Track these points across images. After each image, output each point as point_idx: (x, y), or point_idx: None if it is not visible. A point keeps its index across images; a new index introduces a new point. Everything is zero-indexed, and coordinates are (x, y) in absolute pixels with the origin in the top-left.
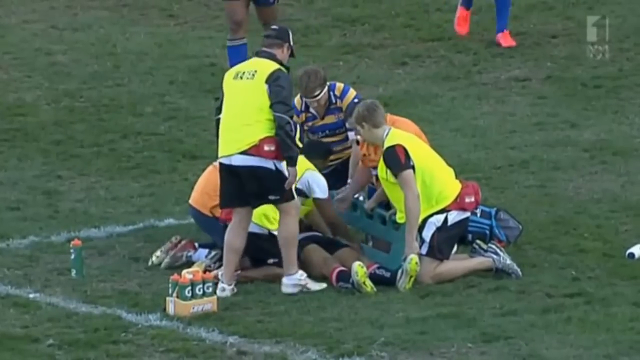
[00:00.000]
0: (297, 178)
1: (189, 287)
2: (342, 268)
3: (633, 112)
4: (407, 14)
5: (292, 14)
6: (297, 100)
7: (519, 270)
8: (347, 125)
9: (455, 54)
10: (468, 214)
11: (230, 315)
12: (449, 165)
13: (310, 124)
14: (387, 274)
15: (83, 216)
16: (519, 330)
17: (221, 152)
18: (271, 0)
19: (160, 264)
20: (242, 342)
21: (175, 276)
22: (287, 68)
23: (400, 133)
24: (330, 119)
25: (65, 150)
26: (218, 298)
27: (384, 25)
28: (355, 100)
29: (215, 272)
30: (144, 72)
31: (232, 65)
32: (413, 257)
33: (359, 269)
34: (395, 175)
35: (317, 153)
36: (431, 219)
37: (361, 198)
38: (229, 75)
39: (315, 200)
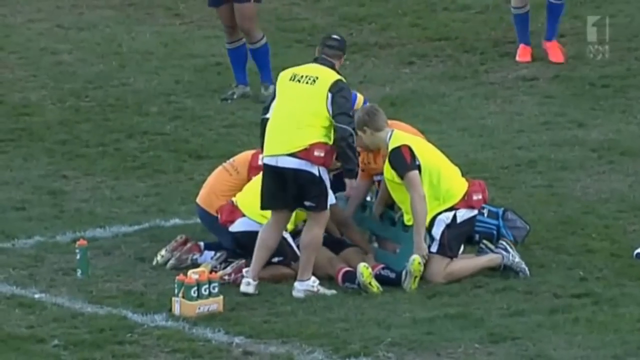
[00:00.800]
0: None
1: (195, 288)
2: (348, 268)
3: None
4: (414, 13)
5: (298, 13)
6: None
7: (527, 269)
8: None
9: (462, 53)
10: (476, 211)
11: (236, 316)
12: (455, 164)
13: None
14: (392, 275)
15: (88, 216)
16: (526, 331)
17: (267, 151)
18: None
19: (165, 263)
20: (248, 342)
21: (181, 276)
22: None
23: (404, 134)
24: None
25: (71, 150)
26: (224, 298)
27: (390, 24)
28: (365, 105)
29: (221, 272)
30: (149, 71)
31: (234, 67)
32: (416, 258)
33: (364, 270)
34: (401, 176)
35: None
36: (440, 217)
37: (368, 198)
38: (284, 76)
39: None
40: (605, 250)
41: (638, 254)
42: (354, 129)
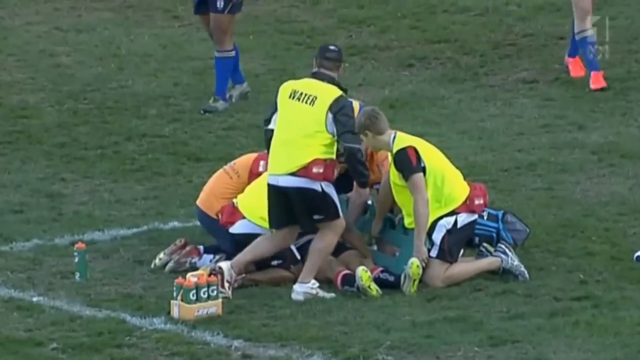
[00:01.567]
0: None
1: (194, 291)
2: (347, 271)
3: None
4: (413, 15)
5: (297, 15)
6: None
7: (526, 272)
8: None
9: (462, 55)
10: (476, 216)
11: (235, 319)
12: (455, 167)
13: None
14: (391, 278)
15: (87, 219)
16: (526, 334)
17: (269, 170)
18: (219, 8)
19: (163, 266)
20: (247, 345)
21: (179, 279)
22: (345, 90)
23: (408, 136)
24: None
25: (69, 153)
26: (223, 301)
27: (390, 26)
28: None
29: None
30: (148, 74)
31: (219, 76)
32: (414, 261)
33: (363, 274)
34: (406, 178)
35: None
36: (441, 222)
37: (370, 202)
38: (284, 92)
39: None
40: (606, 253)
41: (638, 257)
42: (359, 143)
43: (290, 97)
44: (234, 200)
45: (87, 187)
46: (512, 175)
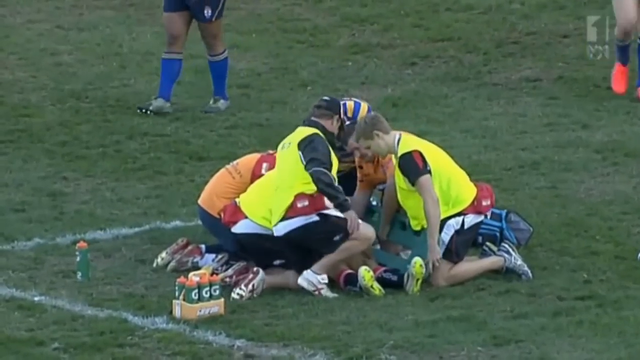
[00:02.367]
0: None
1: (196, 290)
2: (350, 271)
3: None
4: (416, 13)
5: (300, 13)
6: None
7: (529, 271)
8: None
9: (465, 54)
10: (483, 217)
11: (237, 319)
12: (459, 166)
13: None
14: (394, 278)
15: (89, 218)
16: (529, 334)
17: (272, 224)
18: (207, 17)
19: (165, 265)
20: (250, 345)
21: (182, 279)
22: (333, 136)
23: (413, 138)
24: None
25: (71, 152)
26: (226, 301)
27: (393, 25)
28: (369, 112)
29: (222, 274)
30: (150, 72)
31: (163, 78)
32: (417, 260)
33: (366, 274)
34: (413, 182)
35: None
36: (449, 222)
37: (375, 203)
38: (278, 148)
39: None
40: (610, 252)
41: None
42: (326, 167)
43: (281, 149)
44: (236, 200)
45: (88, 186)
46: (515, 174)
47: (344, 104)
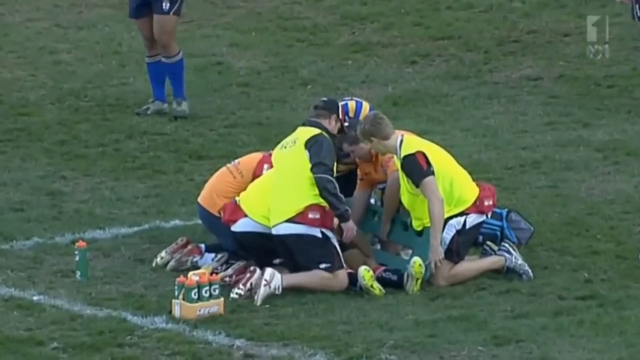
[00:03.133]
0: None
1: (195, 290)
2: (350, 271)
3: None
4: (416, 12)
5: (300, 12)
6: None
7: (530, 271)
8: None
9: (465, 52)
10: (484, 217)
11: (237, 318)
12: (462, 166)
13: None
14: (394, 277)
15: (88, 217)
16: (530, 334)
17: (271, 223)
18: (165, 9)
19: (165, 265)
20: (249, 345)
21: (181, 278)
22: (334, 136)
23: (415, 139)
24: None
25: (70, 151)
26: (225, 300)
27: (393, 23)
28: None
29: (222, 274)
30: None
31: (150, 80)
32: (416, 260)
33: (365, 274)
34: (417, 184)
35: None
36: (451, 222)
37: (373, 201)
38: (277, 148)
39: None
40: (611, 251)
41: None
42: (332, 175)
43: (280, 149)
44: (236, 198)
45: (87, 185)
46: (516, 173)
47: (346, 104)
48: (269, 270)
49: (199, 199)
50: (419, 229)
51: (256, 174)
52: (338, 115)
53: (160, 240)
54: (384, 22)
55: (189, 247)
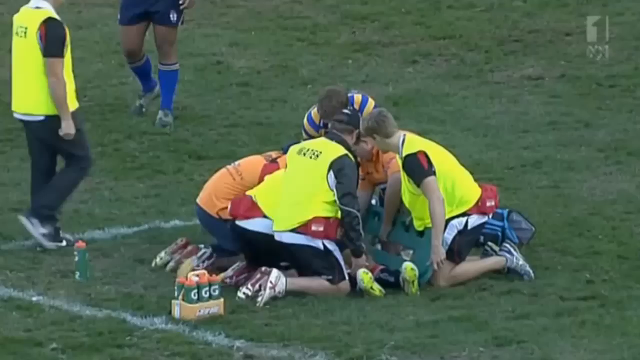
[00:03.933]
0: None
1: (195, 290)
2: (349, 271)
3: None
4: (417, 11)
5: (300, 11)
6: (314, 113)
7: (531, 271)
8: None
9: (466, 52)
10: (487, 217)
11: (237, 319)
12: (463, 166)
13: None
14: (391, 279)
15: (87, 217)
16: (531, 334)
17: (274, 226)
18: (173, 21)
19: (164, 265)
20: (249, 345)
21: (181, 279)
22: (355, 156)
23: (417, 139)
24: None
25: None
26: (225, 301)
27: (394, 22)
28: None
29: (222, 275)
30: None
31: (138, 78)
32: (407, 265)
33: (364, 276)
34: (418, 183)
35: None
36: (453, 222)
37: (374, 202)
38: (293, 150)
39: None
40: (612, 252)
41: None
42: (358, 210)
43: (298, 153)
44: (252, 195)
45: (87, 185)
46: (517, 173)
47: (352, 97)
48: (274, 273)
49: (198, 200)
50: (421, 229)
51: (262, 180)
52: (359, 130)
53: (160, 240)
54: (384, 21)
55: (189, 248)
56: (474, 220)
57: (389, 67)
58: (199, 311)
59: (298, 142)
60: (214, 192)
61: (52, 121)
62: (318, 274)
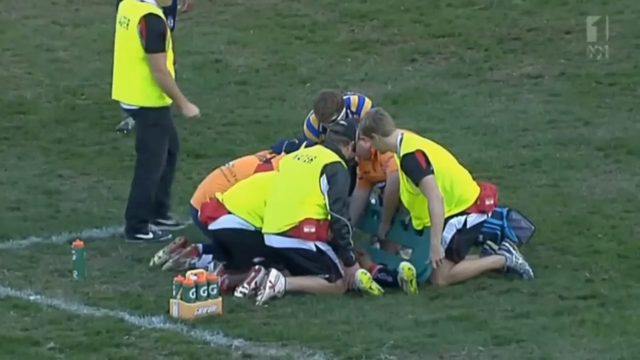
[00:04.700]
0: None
1: (193, 289)
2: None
3: None
4: (416, 9)
5: (299, 9)
6: (312, 119)
7: (530, 270)
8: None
9: (465, 50)
10: (486, 216)
11: (235, 318)
12: (462, 165)
13: None
14: (389, 278)
15: (85, 216)
16: (531, 333)
17: (264, 227)
18: (171, 27)
19: (162, 264)
20: (248, 345)
21: (179, 278)
22: (347, 162)
23: (415, 137)
24: None
25: (67, 149)
26: (223, 300)
27: (393, 20)
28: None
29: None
30: None
31: None
32: (404, 264)
33: (363, 277)
34: (417, 182)
35: None
36: (451, 221)
37: (373, 201)
38: (289, 156)
39: None
40: (612, 251)
41: None
42: (349, 218)
43: (293, 158)
44: (218, 196)
45: (85, 184)
46: (516, 171)
47: (348, 98)
48: (273, 272)
49: (192, 201)
50: (419, 228)
51: None
52: (355, 142)
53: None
54: (383, 19)
55: (188, 248)
56: (473, 219)
57: (387, 66)
58: (197, 310)
59: (291, 140)
60: (208, 193)
61: (144, 113)
62: (314, 275)
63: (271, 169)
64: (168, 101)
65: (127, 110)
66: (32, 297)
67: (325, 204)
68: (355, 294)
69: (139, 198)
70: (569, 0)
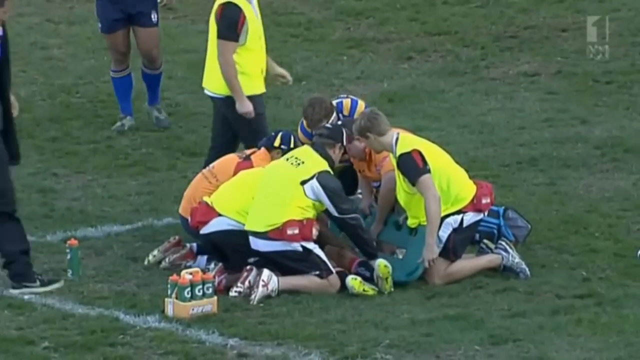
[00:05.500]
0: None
1: (188, 288)
2: (339, 269)
3: None
4: (412, 7)
5: (294, 7)
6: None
7: (527, 269)
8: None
9: (462, 48)
10: (482, 215)
11: (230, 317)
12: (456, 162)
13: None
14: (367, 274)
15: (79, 215)
16: (527, 333)
17: (247, 225)
18: (154, 21)
19: (157, 263)
20: (243, 344)
21: (174, 277)
22: (334, 163)
23: (411, 137)
24: None
25: (61, 147)
26: (218, 299)
27: (389, 18)
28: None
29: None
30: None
31: (118, 96)
32: (380, 262)
33: (354, 282)
34: (413, 182)
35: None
36: (448, 220)
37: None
38: (284, 156)
39: None
40: (609, 249)
41: None
42: (354, 210)
43: (285, 158)
44: (206, 200)
45: (79, 183)
46: (513, 170)
47: (340, 102)
48: (266, 272)
49: (180, 211)
50: (414, 226)
51: None
52: (343, 144)
53: (153, 238)
54: (379, 17)
55: (183, 251)
56: (470, 218)
57: (383, 64)
58: (192, 309)
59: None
60: (193, 199)
61: (232, 101)
62: (305, 273)
63: (251, 166)
64: (256, 91)
65: (213, 99)
66: (26, 297)
67: (307, 206)
68: (350, 294)
69: None
70: None
